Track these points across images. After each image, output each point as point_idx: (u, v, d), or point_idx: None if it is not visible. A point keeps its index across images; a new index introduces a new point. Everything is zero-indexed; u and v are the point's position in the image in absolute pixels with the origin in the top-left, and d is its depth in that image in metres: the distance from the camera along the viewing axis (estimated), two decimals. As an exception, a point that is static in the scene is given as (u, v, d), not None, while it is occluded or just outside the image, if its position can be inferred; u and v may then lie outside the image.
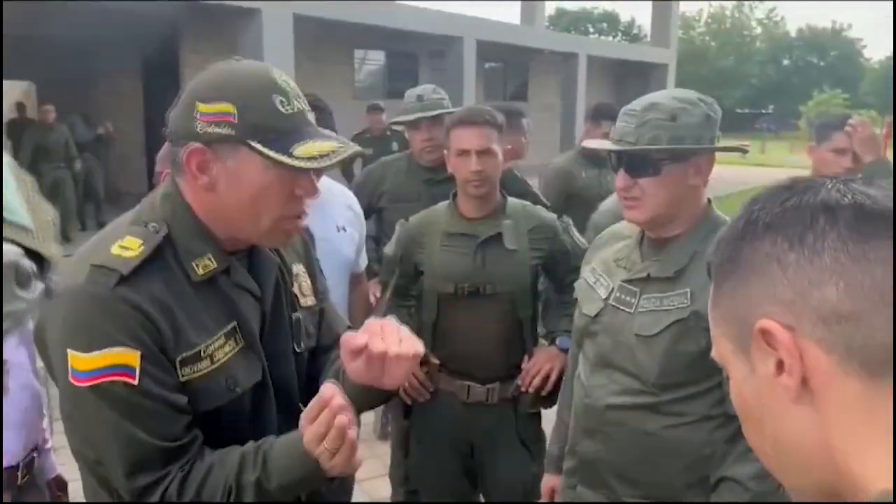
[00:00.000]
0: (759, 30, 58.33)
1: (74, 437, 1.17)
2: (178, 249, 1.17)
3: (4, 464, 1.57)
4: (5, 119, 9.99)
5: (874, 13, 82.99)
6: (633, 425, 1.69)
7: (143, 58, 11.91)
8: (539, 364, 2.30)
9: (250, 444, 1.17)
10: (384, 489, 3.03)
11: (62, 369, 1.09)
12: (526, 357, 2.35)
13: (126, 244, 1.14)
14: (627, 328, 1.70)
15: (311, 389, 1.30)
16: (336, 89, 12.80)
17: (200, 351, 1.15)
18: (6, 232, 0.48)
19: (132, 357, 1.08)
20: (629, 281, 1.73)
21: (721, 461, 1.63)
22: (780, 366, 0.59)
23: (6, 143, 9.17)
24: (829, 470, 0.58)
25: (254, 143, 1.13)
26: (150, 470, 1.10)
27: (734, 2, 59.17)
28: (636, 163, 1.65)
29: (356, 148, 1.20)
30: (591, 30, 52.78)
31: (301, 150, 1.15)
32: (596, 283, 1.81)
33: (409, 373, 1.23)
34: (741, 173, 15.02)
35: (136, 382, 1.08)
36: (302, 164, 1.14)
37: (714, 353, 0.69)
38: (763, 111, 48.60)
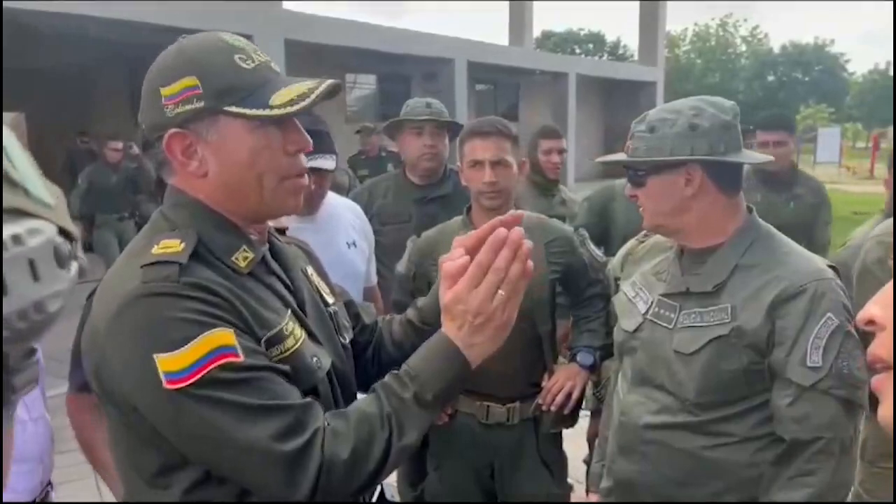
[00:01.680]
0: (743, 47, 59.05)
1: (189, 447, 1.02)
2: (213, 248, 1.09)
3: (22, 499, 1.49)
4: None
5: (856, 28, 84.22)
6: (671, 445, 1.62)
7: (134, 88, 11.92)
8: (560, 382, 2.23)
9: (385, 378, 1.10)
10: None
11: (150, 382, 0.96)
12: (546, 375, 2.29)
13: (165, 245, 1.05)
14: (666, 344, 1.63)
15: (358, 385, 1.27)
16: (328, 113, 12.74)
17: (282, 329, 1.08)
18: (30, 207, 0.42)
19: (227, 336, 0.99)
20: (668, 295, 1.67)
21: (768, 485, 1.55)
22: None
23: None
24: None
25: (227, 108, 1.07)
26: (295, 431, 0.99)
27: (718, 21, 59.99)
28: (633, 174, 1.67)
29: (331, 81, 1.13)
30: (578, 50, 53.20)
31: (276, 98, 1.08)
32: (636, 297, 1.76)
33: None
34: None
35: (241, 358, 0.99)
36: (282, 111, 1.07)
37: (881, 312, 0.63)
38: (751, 127, 48.89)
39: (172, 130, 1.08)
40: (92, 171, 7.54)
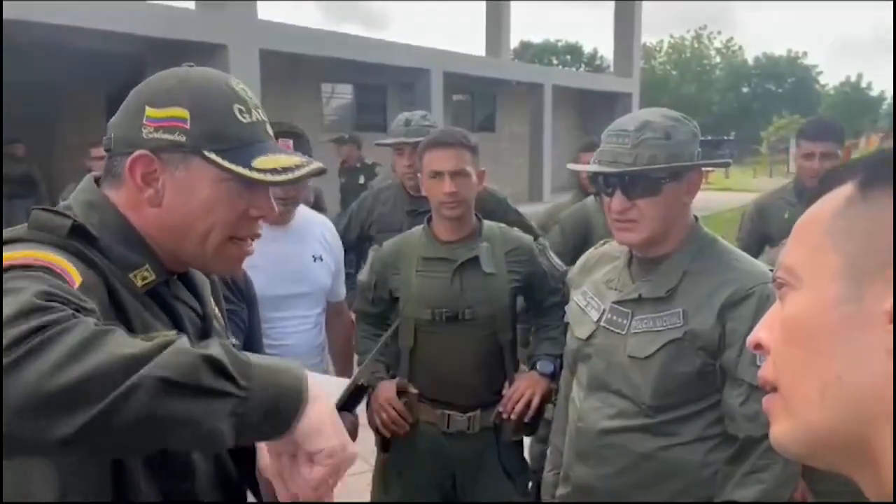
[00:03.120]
0: (718, 59, 59.76)
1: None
2: (113, 261, 1.01)
3: None
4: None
5: (828, 41, 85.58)
6: (628, 448, 1.65)
7: (108, 96, 11.82)
8: (521, 390, 2.24)
9: None
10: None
11: None
12: (507, 383, 2.30)
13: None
14: (620, 350, 1.66)
15: None
16: (304, 123, 12.61)
17: None
18: None
19: (70, 267, 0.90)
20: (620, 302, 1.69)
21: (722, 483, 1.60)
22: None
23: None
24: (884, 434, 0.53)
25: (208, 153, 1.02)
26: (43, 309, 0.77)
27: (693, 33, 60.70)
28: (634, 184, 1.60)
29: (319, 164, 1.11)
30: (556, 61, 53.57)
31: (261, 162, 1.04)
32: (587, 305, 1.78)
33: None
34: (705, 198, 15.15)
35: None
36: (262, 176, 1.03)
37: (788, 261, 0.62)
38: (725, 137, 49.59)
39: (142, 152, 1.03)
40: None
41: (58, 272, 0.88)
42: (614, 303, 1.70)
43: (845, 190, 0.59)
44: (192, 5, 11.54)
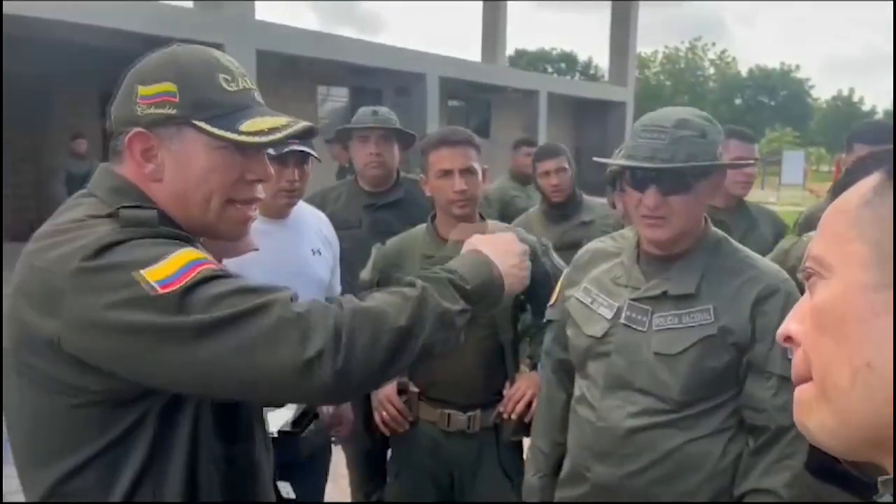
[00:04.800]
0: (711, 70, 60.14)
1: (194, 355, 0.97)
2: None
3: None
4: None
5: (821, 54, 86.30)
6: (655, 444, 1.65)
7: (102, 93, 11.77)
8: (521, 390, 2.23)
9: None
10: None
11: (142, 297, 0.95)
12: (508, 383, 2.29)
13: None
14: (644, 347, 1.66)
15: None
16: (299, 125, 12.75)
17: None
18: None
19: (194, 253, 1.02)
20: (639, 299, 1.69)
21: (745, 473, 1.63)
22: None
23: None
24: None
25: (197, 122, 1.07)
26: (315, 332, 0.96)
27: (688, 44, 61.01)
28: (668, 181, 1.60)
29: (306, 123, 1.14)
30: (550, 69, 53.75)
31: (248, 125, 1.09)
32: (594, 302, 1.77)
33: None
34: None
35: (215, 266, 1.02)
36: (249, 139, 1.08)
37: (817, 251, 0.62)
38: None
39: (137, 129, 1.08)
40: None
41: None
42: (632, 300, 1.70)
43: (871, 180, 0.60)
44: (189, 4, 11.53)
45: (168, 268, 0.97)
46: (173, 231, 1.05)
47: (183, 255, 0.99)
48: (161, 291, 0.95)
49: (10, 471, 1.38)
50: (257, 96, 1.15)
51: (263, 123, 1.09)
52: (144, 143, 1.08)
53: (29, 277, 1.02)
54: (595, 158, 2.03)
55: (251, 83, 1.15)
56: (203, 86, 1.09)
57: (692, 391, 1.62)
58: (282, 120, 1.11)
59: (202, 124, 1.07)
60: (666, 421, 1.65)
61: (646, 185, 1.61)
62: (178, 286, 0.96)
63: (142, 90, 1.09)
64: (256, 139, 1.08)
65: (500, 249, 1.20)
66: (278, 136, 1.09)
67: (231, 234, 1.18)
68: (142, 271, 0.96)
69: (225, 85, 1.10)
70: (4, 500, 1.22)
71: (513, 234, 1.25)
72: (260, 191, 1.16)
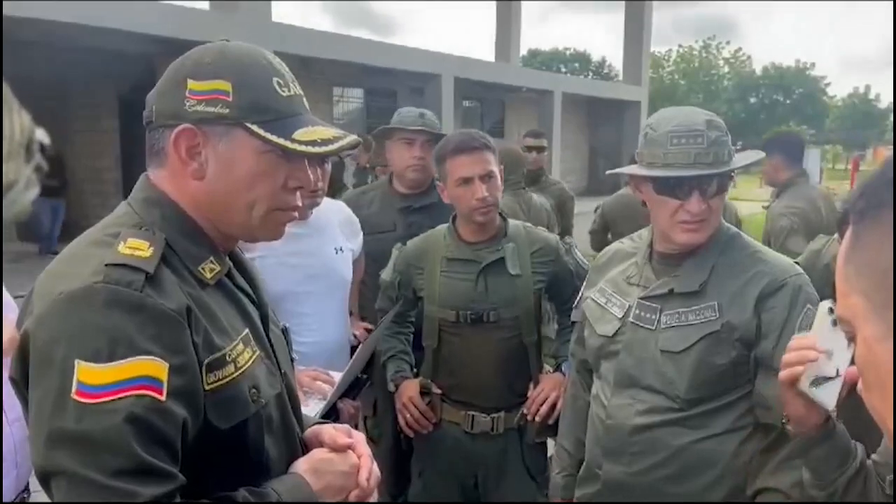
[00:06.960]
0: (726, 69, 59.74)
1: (71, 460, 0.90)
2: (179, 254, 1.05)
3: None
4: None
5: (836, 51, 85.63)
6: (662, 442, 1.65)
7: (119, 96, 11.87)
8: (546, 391, 2.23)
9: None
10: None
11: (58, 383, 0.89)
12: (531, 384, 2.28)
13: (133, 245, 0.99)
14: (651, 345, 1.66)
15: None
16: (314, 126, 12.79)
17: (226, 355, 1.03)
18: None
19: (160, 369, 0.92)
20: (648, 298, 1.69)
21: (755, 472, 1.60)
22: None
23: None
24: None
25: (250, 125, 1.04)
26: (141, 478, 0.90)
27: (702, 42, 60.74)
28: (710, 184, 1.58)
29: (355, 136, 1.13)
30: (564, 69, 53.61)
31: (301, 134, 1.06)
32: (608, 302, 1.77)
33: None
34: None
35: (162, 398, 0.92)
36: (304, 148, 1.05)
37: (840, 311, 0.63)
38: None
39: (186, 126, 1.04)
40: None
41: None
42: (641, 298, 1.70)
43: (847, 234, 0.61)
44: (206, 6, 11.59)
45: (109, 374, 0.90)
46: (159, 305, 0.96)
47: (133, 366, 0.91)
48: (77, 398, 0.89)
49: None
50: (305, 102, 1.13)
51: (315, 133, 1.07)
52: (191, 141, 1.05)
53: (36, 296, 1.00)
54: (622, 171, 1.85)
55: (300, 89, 1.13)
56: (259, 88, 1.06)
57: (698, 388, 1.61)
58: (332, 131, 1.10)
59: (255, 128, 1.04)
60: (674, 419, 1.64)
61: (689, 192, 1.58)
62: (97, 400, 0.89)
63: (193, 85, 1.05)
64: (312, 149, 1.06)
65: (325, 480, 1.13)
66: (332, 147, 1.07)
67: (267, 238, 1.16)
68: (82, 364, 0.90)
69: (279, 89, 1.07)
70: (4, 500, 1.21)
71: (345, 455, 1.19)
72: (300, 198, 1.14)
